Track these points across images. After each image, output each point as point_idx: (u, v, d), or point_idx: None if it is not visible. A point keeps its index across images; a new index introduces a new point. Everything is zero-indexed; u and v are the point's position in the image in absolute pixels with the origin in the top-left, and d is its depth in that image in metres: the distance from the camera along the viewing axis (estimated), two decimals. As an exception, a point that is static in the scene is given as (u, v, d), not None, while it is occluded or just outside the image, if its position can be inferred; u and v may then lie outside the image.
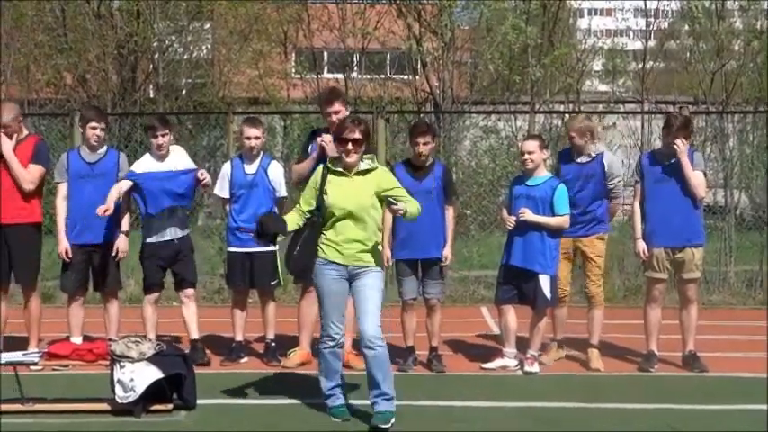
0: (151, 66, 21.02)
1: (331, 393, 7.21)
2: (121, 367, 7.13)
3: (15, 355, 7.46)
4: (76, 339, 8.74)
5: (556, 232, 8.54)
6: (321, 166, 7.18)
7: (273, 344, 9.05)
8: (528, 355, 8.70)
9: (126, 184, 8.68)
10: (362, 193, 6.99)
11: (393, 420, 6.87)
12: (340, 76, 20.20)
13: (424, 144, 8.64)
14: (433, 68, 18.38)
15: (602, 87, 25.69)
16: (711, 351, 9.21)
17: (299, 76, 21.88)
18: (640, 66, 19.56)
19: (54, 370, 8.20)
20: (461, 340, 10.10)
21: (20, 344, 8.81)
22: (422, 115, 16.14)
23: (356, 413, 7.19)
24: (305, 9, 21.17)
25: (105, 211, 8.43)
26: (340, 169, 7.04)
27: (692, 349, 8.85)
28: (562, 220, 8.50)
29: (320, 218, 7.00)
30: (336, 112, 8.53)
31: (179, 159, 8.94)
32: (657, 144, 10.20)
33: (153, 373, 7.13)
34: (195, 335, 9.01)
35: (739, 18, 18.90)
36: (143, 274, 9.07)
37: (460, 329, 10.49)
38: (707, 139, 14.62)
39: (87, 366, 7.52)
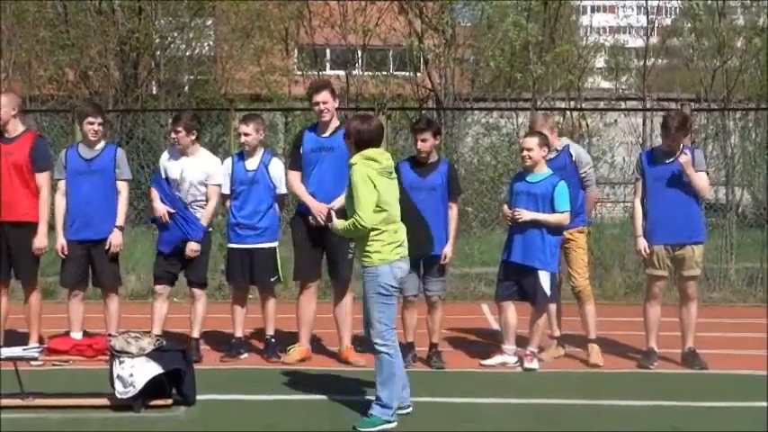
0: (153, 62, 21.02)
1: None
2: (121, 363, 7.14)
3: (15, 351, 7.47)
4: (76, 335, 8.75)
5: (556, 229, 8.54)
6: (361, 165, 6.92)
7: (273, 340, 9.05)
8: (527, 352, 8.70)
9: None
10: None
11: (380, 428, 6.79)
12: (342, 72, 20.20)
13: (423, 141, 8.64)
14: (434, 65, 18.38)
15: (605, 84, 25.68)
16: (711, 348, 9.21)
17: (300, 72, 21.92)
18: (642, 63, 19.58)
19: (54, 365, 8.21)
20: (461, 337, 10.11)
21: (20, 339, 8.83)
22: (423, 112, 16.12)
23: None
24: (306, 6, 21.17)
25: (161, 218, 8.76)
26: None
27: (691, 346, 8.86)
28: (562, 217, 8.50)
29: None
30: (324, 102, 8.58)
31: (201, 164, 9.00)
32: (658, 141, 10.18)
33: (152, 369, 7.14)
34: (196, 334, 9.02)
35: (741, 15, 18.92)
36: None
37: (461, 326, 10.49)
38: (708, 137, 14.64)
39: (87, 362, 7.51)
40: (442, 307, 8.94)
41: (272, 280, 9.03)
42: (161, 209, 8.83)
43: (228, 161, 9.17)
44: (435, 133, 8.79)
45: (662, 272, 8.78)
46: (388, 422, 6.80)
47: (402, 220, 7.07)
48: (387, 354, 6.86)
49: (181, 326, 9.30)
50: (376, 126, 7.00)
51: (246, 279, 9.03)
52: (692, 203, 8.70)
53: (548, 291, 8.51)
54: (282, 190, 9.08)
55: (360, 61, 20.39)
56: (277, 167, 9.04)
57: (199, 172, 8.94)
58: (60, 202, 8.85)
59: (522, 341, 8.83)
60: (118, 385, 7.12)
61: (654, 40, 20.63)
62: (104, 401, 7.27)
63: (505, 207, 8.75)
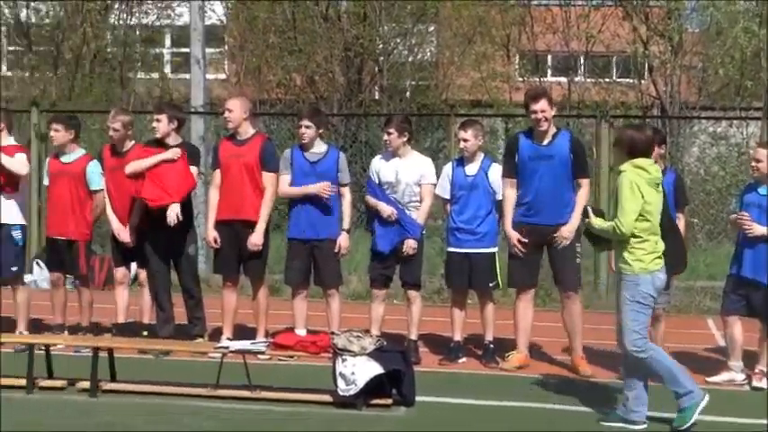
0: (376, 67, 21.41)
1: None
2: (343, 361, 7.30)
3: (244, 344, 7.76)
4: (300, 331, 9.01)
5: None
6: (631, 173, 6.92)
7: (492, 345, 9.04)
8: (756, 371, 8.35)
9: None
10: None
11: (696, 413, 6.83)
12: (563, 79, 20.02)
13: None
14: (659, 72, 17.95)
15: None
16: None
17: (521, 78, 21.81)
18: None
19: (279, 360, 8.49)
20: (685, 352, 9.78)
21: (248, 333, 9.20)
22: (647, 120, 15.74)
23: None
24: (528, 12, 21.08)
25: (389, 216, 8.88)
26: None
27: None
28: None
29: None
30: (542, 111, 8.50)
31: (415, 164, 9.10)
32: None
33: (373, 368, 7.27)
34: (413, 335, 9.12)
35: None
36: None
37: (685, 341, 10.16)
38: None
39: (309, 358, 7.74)
40: (665, 320, 8.71)
41: (491, 285, 9.02)
42: (387, 209, 8.94)
43: (448, 166, 9.22)
44: (661, 143, 8.62)
45: None
46: (698, 404, 6.85)
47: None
48: (646, 356, 6.85)
49: (398, 327, 9.43)
50: (648, 137, 7.06)
51: (465, 283, 9.06)
52: None
53: (779, 308, 8.15)
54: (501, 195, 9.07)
55: (582, 68, 20.13)
56: (497, 173, 9.02)
57: (413, 173, 9.03)
58: (284, 194, 9.13)
59: (747, 358, 8.48)
60: (340, 382, 7.28)
61: None
62: (327, 398, 7.45)
63: (737, 215, 8.42)
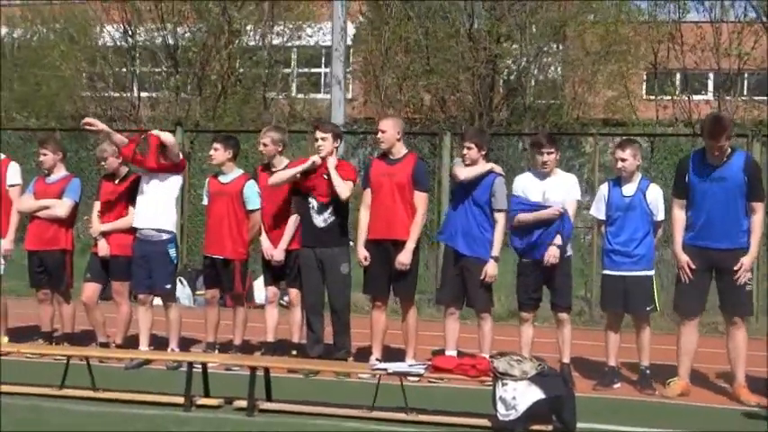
0: (502, 86, 21.26)
1: None
2: (504, 385, 7.15)
3: (401, 366, 7.68)
4: (451, 352, 8.90)
5: None
6: None
7: (648, 371, 8.77)
8: None
9: None
10: None
11: None
12: (708, 97, 19.53)
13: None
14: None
15: None
16: None
17: (668, 97, 21.39)
18: None
19: (429, 382, 8.38)
20: None
21: (393, 354, 9.17)
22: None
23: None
24: (677, 28, 20.48)
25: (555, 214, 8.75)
26: None
27: None
28: None
29: None
30: (720, 147, 8.23)
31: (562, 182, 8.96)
32: None
33: (535, 393, 7.10)
34: (566, 358, 8.93)
35: None
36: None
37: None
38: None
39: (459, 380, 7.61)
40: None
41: (648, 309, 8.76)
42: (552, 210, 8.73)
43: (605, 186, 9.01)
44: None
45: None
46: None
47: None
48: None
49: (546, 350, 9.24)
50: None
51: (621, 307, 8.82)
52: None
53: None
54: (660, 217, 8.81)
55: (734, 86, 19.50)
56: (654, 193, 8.78)
57: (560, 191, 8.88)
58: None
59: None
60: (500, 407, 7.13)
61: None
62: (485, 422, 7.30)
63: None
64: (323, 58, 25.50)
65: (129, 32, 18.46)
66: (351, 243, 9.56)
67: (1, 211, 9.78)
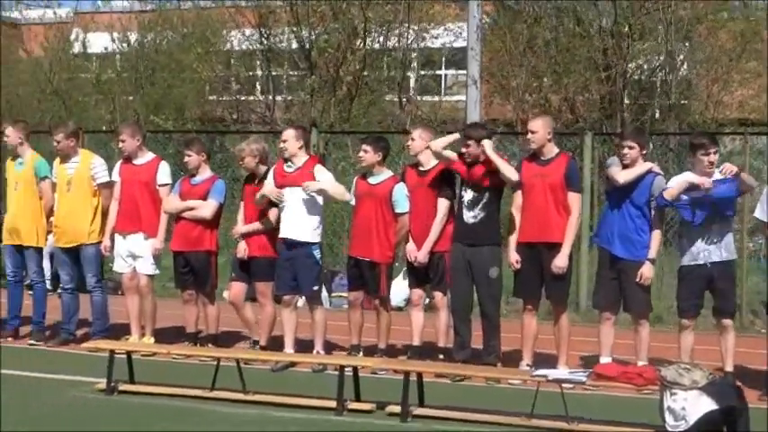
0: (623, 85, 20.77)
1: None
2: (672, 395, 6.80)
3: (562, 373, 7.41)
4: (605, 359, 8.61)
5: None
6: None
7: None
8: None
9: None
10: None
11: None
12: None
13: None
14: None
15: None
16: None
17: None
18: None
19: (584, 389, 8.08)
20: None
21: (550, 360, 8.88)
22: None
23: None
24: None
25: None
26: None
27: None
28: None
29: None
30: None
31: None
32: None
33: (706, 404, 6.73)
34: (729, 367, 8.53)
35: None
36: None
37: None
38: None
39: (615, 388, 7.35)
40: None
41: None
42: (702, 179, 8.34)
43: (768, 188, 8.61)
44: None
45: None
46: None
47: None
48: None
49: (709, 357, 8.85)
50: None
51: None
52: None
53: None
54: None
55: None
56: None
57: None
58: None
59: None
60: (668, 418, 6.78)
61: None
62: (652, 433, 7.00)
63: None
64: (443, 60, 25.26)
65: (264, 35, 18.50)
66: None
67: (152, 211, 9.82)
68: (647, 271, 8.56)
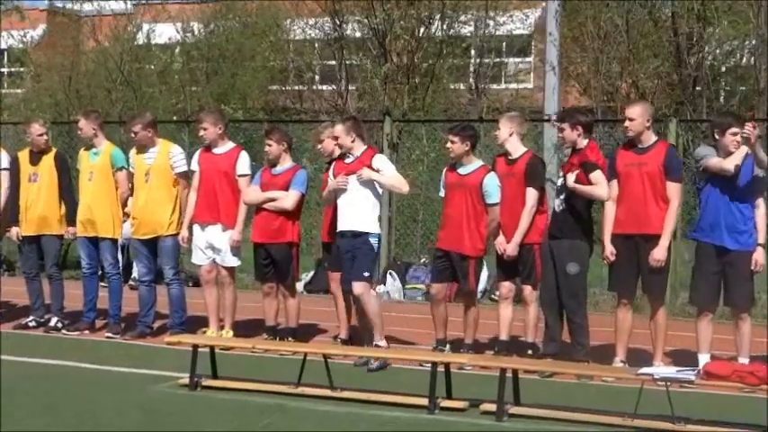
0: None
1: None
2: (788, 395, 6.46)
3: (670, 371, 7.05)
4: (703, 357, 8.24)
5: None
6: None
7: None
8: None
9: None
10: None
11: None
12: None
13: None
14: None
15: None
16: None
17: None
18: None
19: (681, 387, 7.67)
20: None
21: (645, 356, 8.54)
22: None
23: None
24: None
25: None
26: None
27: None
28: None
29: None
30: None
31: None
32: None
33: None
34: None
35: None
36: None
37: None
38: None
39: (722, 388, 7.06)
40: None
41: None
42: None
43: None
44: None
45: None
46: None
47: None
48: None
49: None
50: None
51: None
52: None
53: None
54: None
55: None
56: None
57: None
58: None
59: None
60: (785, 420, 6.45)
61: None
62: (769, 435, 6.64)
63: None
64: (503, 48, 24.79)
65: (338, 23, 18.20)
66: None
67: (232, 202, 9.60)
68: (761, 257, 8.24)
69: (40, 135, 10.41)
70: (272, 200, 9.47)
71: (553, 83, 13.68)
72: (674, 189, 8.31)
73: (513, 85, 25.15)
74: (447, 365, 7.66)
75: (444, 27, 18.95)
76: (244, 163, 9.71)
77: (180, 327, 9.87)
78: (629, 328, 8.57)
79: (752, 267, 8.24)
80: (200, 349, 8.11)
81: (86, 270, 10.35)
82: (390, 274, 13.17)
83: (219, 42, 21.98)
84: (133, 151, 10.03)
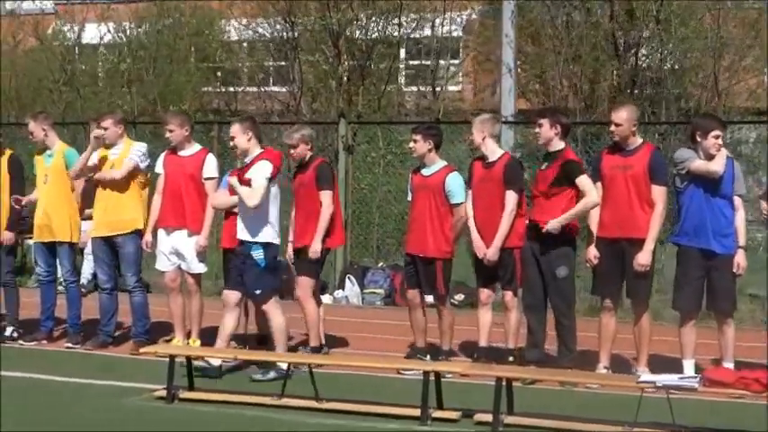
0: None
1: None
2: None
3: (671, 379, 6.93)
4: (688, 362, 8.18)
5: None
6: None
7: None
8: None
9: None
10: None
11: None
12: None
13: None
14: None
15: None
16: None
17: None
18: None
19: (671, 393, 7.57)
20: None
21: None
22: None
23: None
24: None
25: None
26: None
27: None
28: None
29: None
30: None
31: None
32: None
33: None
34: None
35: None
36: None
37: None
38: None
39: (721, 394, 6.94)
40: None
41: None
42: None
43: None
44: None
45: None
46: None
47: None
48: None
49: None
50: None
51: None
52: None
53: None
54: None
55: None
56: None
57: None
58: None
59: None
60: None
61: None
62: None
63: None
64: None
65: (290, 23, 17.83)
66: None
67: (198, 206, 9.25)
68: (742, 259, 8.18)
69: None
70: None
71: (509, 84, 13.56)
72: (659, 192, 8.20)
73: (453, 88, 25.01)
74: (437, 375, 7.43)
75: (400, 27, 18.69)
76: (211, 166, 9.36)
77: (144, 336, 9.49)
78: (614, 334, 8.44)
79: (734, 270, 8.18)
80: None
81: (44, 277, 9.92)
82: (349, 278, 12.92)
83: (152, 43, 21.42)
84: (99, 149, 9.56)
